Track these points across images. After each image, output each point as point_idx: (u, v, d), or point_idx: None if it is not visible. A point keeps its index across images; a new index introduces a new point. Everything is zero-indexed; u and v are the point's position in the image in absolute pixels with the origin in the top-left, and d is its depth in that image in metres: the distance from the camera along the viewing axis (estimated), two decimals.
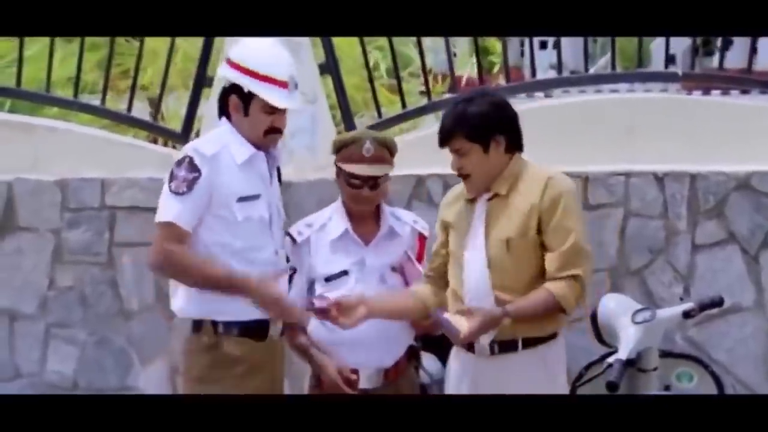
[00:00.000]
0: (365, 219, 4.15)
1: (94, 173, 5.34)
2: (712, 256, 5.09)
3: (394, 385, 4.11)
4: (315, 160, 5.33)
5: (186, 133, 5.63)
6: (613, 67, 5.75)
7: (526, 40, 6.07)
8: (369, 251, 4.12)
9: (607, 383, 3.64)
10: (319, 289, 4.11)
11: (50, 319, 5.34)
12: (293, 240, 4.14)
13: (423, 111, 5.83)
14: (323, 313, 3.86)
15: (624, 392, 3.72)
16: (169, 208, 3.81)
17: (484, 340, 3.77)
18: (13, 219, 5.34)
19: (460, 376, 3.91)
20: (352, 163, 4.06)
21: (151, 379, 5.31)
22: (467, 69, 10.40)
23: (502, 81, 5.86)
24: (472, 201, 3.88)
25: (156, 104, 6.40)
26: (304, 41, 5.39)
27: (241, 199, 3.86)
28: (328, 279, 4.09)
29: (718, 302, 3.96)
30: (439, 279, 3.97)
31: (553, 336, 3.83)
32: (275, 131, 3.95)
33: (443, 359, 4.16)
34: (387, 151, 4.10)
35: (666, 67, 5.71)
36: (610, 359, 3.76)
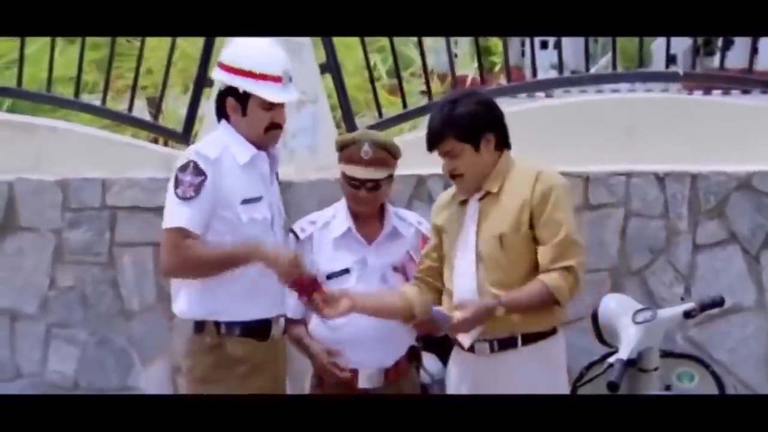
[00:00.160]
0: (369, 218, 4.16)
1: (95, 173, 5.34)
2: (713, 256, 5.09)
3: (395, 385, 4.11)
4: (316, 160, 5.33)
5: (187, 134, 5.64)
6: (614, 67, 5.75)
7: (527, 40, 6.07)
8: (371, 251, 4.13)
9: (607, 383, 3.64)
10: None
11: (51, 319, 5.34)
12: (296, 237, 4.15)
13: (423, 111, 5.82)
14: (309, 300, 3.85)
15: (625, 392, 3.72)
16: (179, 214, 3.80)
17: (474, 335, 3.78)
18: (14, 219, 5.34)
19: (460, 376, 3.91)
20: (351, 164, 4.07)
21: (152, 379, 5.31)
22: (472, 69, 10.40)
23: (503, 81, 5.85)
24: (463, 203, 3.91)
25: (156, 104, 6.40)
26: (305, 41, 5.39)
27: (245, 201, 3.86)
28: (329, 276, 4.09)
29: (719, 302, 3.96)
30: (428, 281, 3.98)
31: (552, 332, 3.84)
32: (275, 127, 3.95)
33: (444, 359, 4.16)
34: (387, 154, 4.09)
35: (667, 67, 5.70)
36: (611, 359, 3.76)
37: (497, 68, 13.41)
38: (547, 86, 6.42)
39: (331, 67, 5.54)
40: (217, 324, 3.87)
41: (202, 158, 3.82)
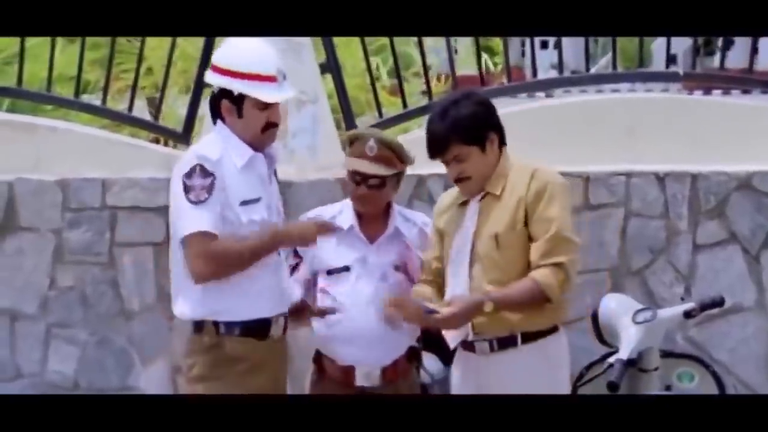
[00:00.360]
0: (373, 217, 4.17)
1: (95, 173, 5.34)
2: (713, 256, 5.09)
3: (393, 385, 4.11)
4: (316, 160, 5.33)
5: (187, 134, 5.64)
6: (615, 66, 5.75)
7: (527, 40, 6.07)
8: (372, 249, 4.14)
9: (607, 383, 3.64)
10: (321, 281, 4.16)
11: (51, 319, 5.34)
12: None
13: (424, 111, 5.82)
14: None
15: (625, 392, 3.71)
16: (197, 218, 3.78)
17: (462, 334, 3.78)
18: (14, 219, 5.34)
19: (463, 375, 3.92)
20: (355, 158, 4.08)
21: (152, 379, 5.31)
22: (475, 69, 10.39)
23: (503, 80, 5.85)
24: (463, 204, 3.91)
25: (156, 104, 6.40)
26: (305, 41, 5.39)
27: (244, 203, 3.86)
28: (330, 272, 4.12)
29: (719, 302, 3.96)
30: (438, 282, 3.99)
31: (553, 330, 3.84)
32: (272, 126, 3.94)
33: (444, 359, 4.16)
34: (392, 153, 4.10)
35: (667, 67, 5.71)
36: (611, 359, 3.76)
37: (499, 68, 13.43)
38: (547, 86, 6.42)
39: (331, 67, 5.54)
40: (216, 324, 3.87)
41: (206, 160, 3.81)
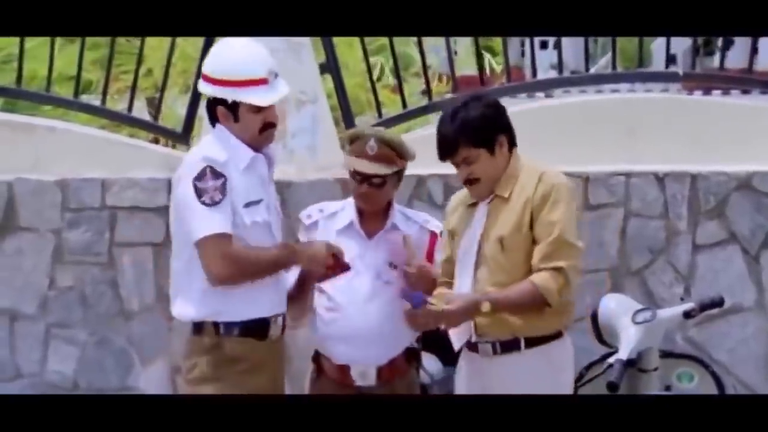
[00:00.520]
0: (373, 215, 4.17)
1: (95, 173, 5.33)
2: (713, 257, 5.09)
3: (390, 385, 4.09)
4: (316, 160, 5.33)
5: (186, 134, 5.64)
6: (614, 67, 5.75)
7: (527, 40, 6.07)
8: (370, 246, 4.14)
9: (607, 383, 3.64)
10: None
11: (51, 319, 5.34)
12: (302, 222, 4.18)
13: (424, 111, 5.83)
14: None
15: (624, 392, 3.72)
16: (213, 220, 3.77)
17: (467, 333, 3.78)
18: (13, 219, 5.34)
19: (468, 376, 3.91)
20: (356, 158, 4.08)
21: (152, 379, 5.31)
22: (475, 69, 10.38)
23: (503, 80, 5.85)
24: (472, 205, 3.90)
25: (156, 104, 6.40)
26: (305, 41, 5.39)
27: (247, 205, 3.86)
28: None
29: (718, 302, 3.97)
30: (452, 283, 3.98)
31: (557, 335, 3.81)
32: (269, 126, 3.93)
33: (444, 359, 4.16)
34: (392, 152, 4.09)
35: (667, 67, 5.71)
36: (611, 359, 3.77)
37: (499, 68, 13.41)
38: (547, 86, 6.42)
39: (331, 67, 5.54)
40: (215, 324, 3.86)
41: (214, 162, 3.81)
